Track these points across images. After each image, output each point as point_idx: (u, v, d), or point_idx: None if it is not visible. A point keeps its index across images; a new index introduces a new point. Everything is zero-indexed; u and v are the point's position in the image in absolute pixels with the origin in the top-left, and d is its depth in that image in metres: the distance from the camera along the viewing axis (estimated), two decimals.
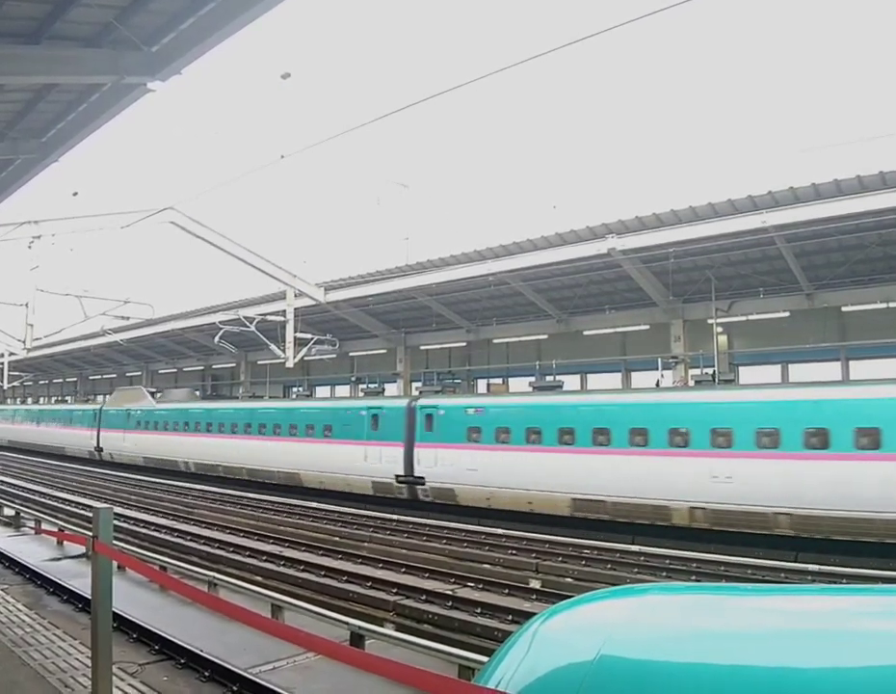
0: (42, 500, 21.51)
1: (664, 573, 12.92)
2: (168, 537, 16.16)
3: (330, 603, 10.43)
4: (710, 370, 20.27)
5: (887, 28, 47.60)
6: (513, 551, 15.01)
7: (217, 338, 28.14)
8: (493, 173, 68.31)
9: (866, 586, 7.77)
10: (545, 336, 27.09)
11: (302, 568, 13.05)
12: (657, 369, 22.36)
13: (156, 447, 33.16)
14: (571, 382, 25.06)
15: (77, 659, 6.66)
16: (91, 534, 4.66)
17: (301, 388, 34.57)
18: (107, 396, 49.30)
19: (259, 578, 12.27)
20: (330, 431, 24.41)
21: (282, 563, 13.50)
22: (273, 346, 25.96)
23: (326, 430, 24.64)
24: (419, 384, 29.13)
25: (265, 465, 26.82)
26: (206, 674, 7.11)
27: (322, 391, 36.71)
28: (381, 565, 13.38)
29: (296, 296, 25.19)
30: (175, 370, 47.07)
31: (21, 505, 19.34)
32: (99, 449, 38.02)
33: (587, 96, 62.14)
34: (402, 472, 21.73)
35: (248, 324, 26.74)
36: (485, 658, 5.76)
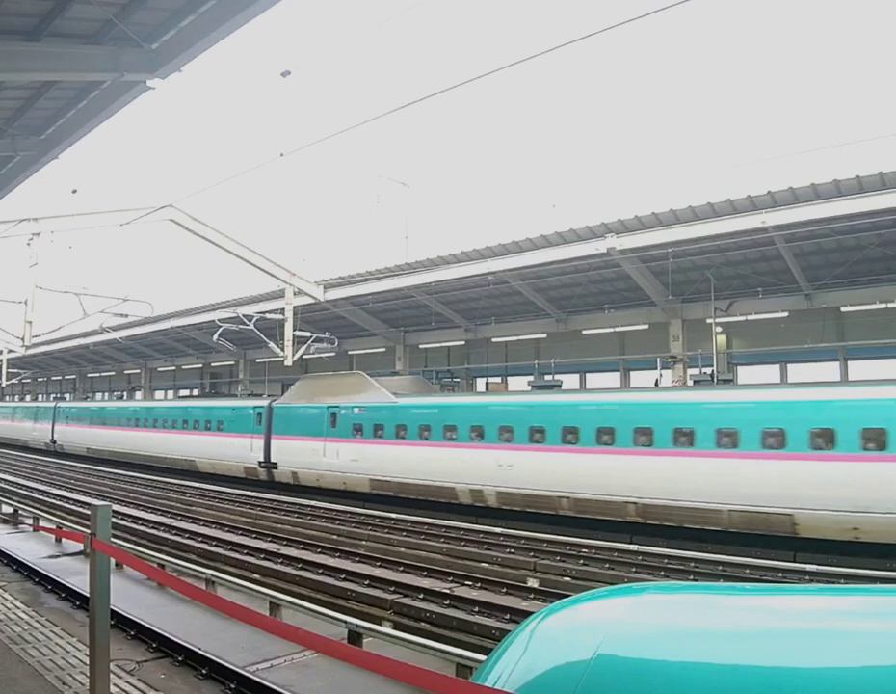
0: (40, 497, 21.51)
1: (662, 573, 12.92)
2: (166, 534, 16.14)
3: (328, 602, 10.44)
4: (709, 370, 20.32)
5: (888, 29, 47.61)
6: (511, 550, 15.00)
7: (216, 336, 28.09)
8: (493, 172, 68.34)
9: (863, 586, 7.77)
10: (544, 335, 27.12)
11: (299, 566, 13.04)
12: (656, 369, 22.43)
13: (415, 467, 20.65)
14: (570, 381, 25.09)
15: (75, 657, 6.67)
16: (89, 531, 4.65)
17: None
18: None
19: (257, 576, 12.27)
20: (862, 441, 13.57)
21: (280, 561, 13.49)
22: (272, 344, 25.94)
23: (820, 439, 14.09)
24: None
25: (667, 494, 15.78)
26: (204, 671, 7.11)
27: None
28: (378, 563, 13.37)
29: (295, 294, 25.19)
30: (174, 368, 47.06)
31: (19, 502, 19.34)
32: (268, 466, 25.85)
33: (586, 96, 62.11)
34: None
35: (247, 322, 26.72)
36: (482, 657, 5.76)
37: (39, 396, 65.23)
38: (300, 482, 24.71)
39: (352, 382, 24.14)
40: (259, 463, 26.09)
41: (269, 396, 29.57)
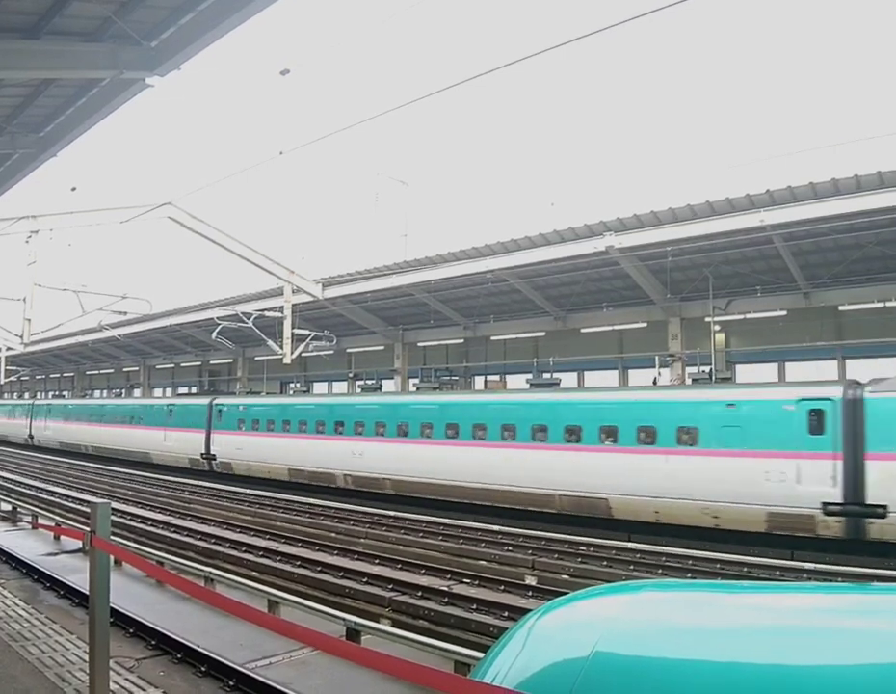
0: (39, 495, 21.49)
1: (660, 571, 12.95)
2: (165, 532, 16.15)
3: (327, 599, 10.45)
4: (707, 368, 20.33)
5: (886, 29, 47.61)
6: (509, 548, 15.02)
7: (214, 334, 28.05)
8: (492, 170, 68.34)
9: (861, 584, 7.79)
10: (543, 334, 27.10)
11: (298, 563, 13.05)
12: (654, 367, 22.43)
13: None
14: (568, 379, 25.10)
15: (74, 654, 6.67)
16: (88, 529, 4.66)
17: (297, 385, 34.34)
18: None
19: (256, 574, 12.28)
20: None
21: (279, 559, 13.50)
22: (270, 342, 25.91)
23: None
24: (416, 380, 29.16)
25: None
26: (203, 669, 7.11)
27: (319, 388, 36.56)
28: (377, 561, 13.39)
29: (294, 292, 25.16)
30: (173, 365, 47.03)
31: (18, 499, 19.32)
32: (868, 513, 13.48)
33: (585, 95, 62.10)
34: None
35: (245, 320, 26.66)
36: (480, 654, 5.78)
37: (39, 394, 65.10)
38: None
39: None
40: (827, 505, 13.68)
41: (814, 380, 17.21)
